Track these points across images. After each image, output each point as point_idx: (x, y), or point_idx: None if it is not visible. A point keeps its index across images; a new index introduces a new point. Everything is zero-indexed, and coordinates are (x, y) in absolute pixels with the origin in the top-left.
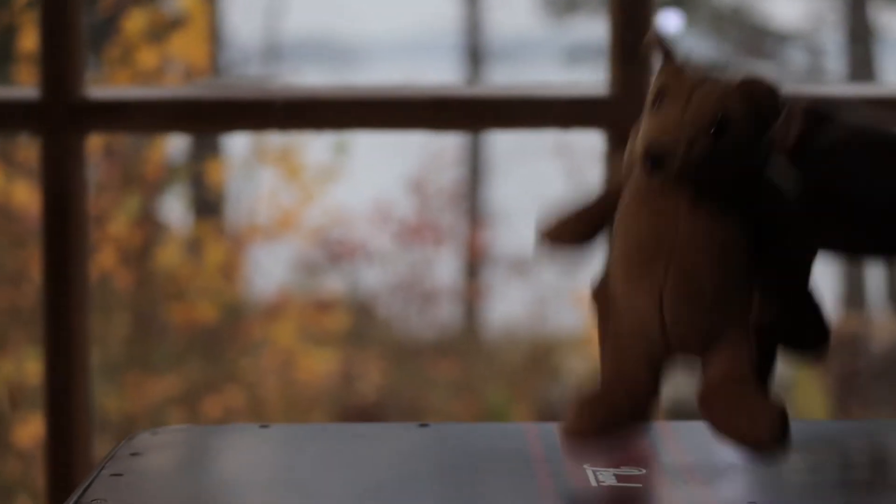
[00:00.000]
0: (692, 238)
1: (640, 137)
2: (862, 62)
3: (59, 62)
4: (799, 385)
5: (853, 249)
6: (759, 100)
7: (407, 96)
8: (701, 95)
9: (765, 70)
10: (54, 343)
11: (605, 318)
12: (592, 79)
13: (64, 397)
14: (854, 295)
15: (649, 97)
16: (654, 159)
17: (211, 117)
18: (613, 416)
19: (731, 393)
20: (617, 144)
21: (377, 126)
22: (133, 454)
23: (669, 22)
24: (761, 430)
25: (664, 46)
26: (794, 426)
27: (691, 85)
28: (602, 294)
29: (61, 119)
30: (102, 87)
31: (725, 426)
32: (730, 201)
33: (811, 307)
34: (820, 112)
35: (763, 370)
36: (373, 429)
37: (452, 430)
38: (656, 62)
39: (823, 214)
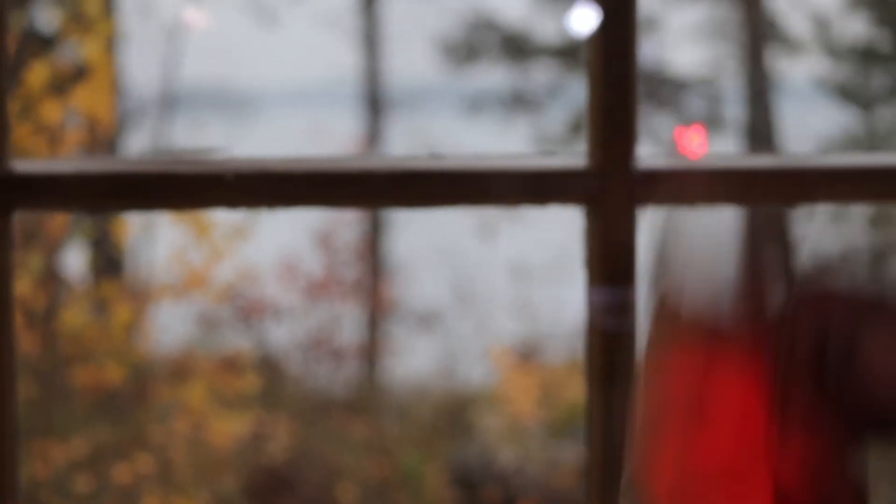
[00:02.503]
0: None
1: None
2: (760, 109)
3: None
4: None
5: None
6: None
7: (368, 169)
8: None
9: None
10: None
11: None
12: (520, 136)
13: None
14: None
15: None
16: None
17: (140, 193)
18: None
19: None
20: (595, 220)
21: (335, 204)
22: None
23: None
24: None
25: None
26: None
27: None
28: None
29: None
30: (28, 160)
31: None
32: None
33: None
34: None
35: None
36: None
37: None
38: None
39: None
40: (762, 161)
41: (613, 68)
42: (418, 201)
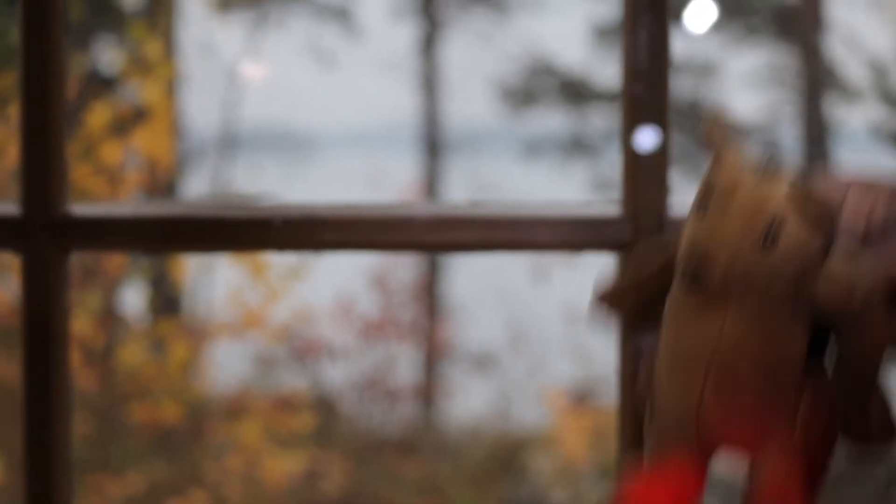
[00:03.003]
0: (735, 344)
1: (683, 245)
2: (817, 156)
3: (41, 179)
4: None
5: None
6: (812, 207)
7: (410, 216)
8: (749, 202)
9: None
10: (35, 460)
11: (651, 412)
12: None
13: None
14: None
15: (697, 194)
16: (695, 274)
17: (190, 236)
18: None
19: None
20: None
21: (377, 248)
22: None
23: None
24: None
25: (722, 140)
26: None
27: (740, 187)
28: (649, 388)
29: (42, 236)
30: (84, 204)
31: None
32: (781, 309)
33: (877, 402)
34: None
35: (816, 464)
36: None
37: None
38: (712, 156)
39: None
40: None
41: (644, 121)
42: (458, 247)
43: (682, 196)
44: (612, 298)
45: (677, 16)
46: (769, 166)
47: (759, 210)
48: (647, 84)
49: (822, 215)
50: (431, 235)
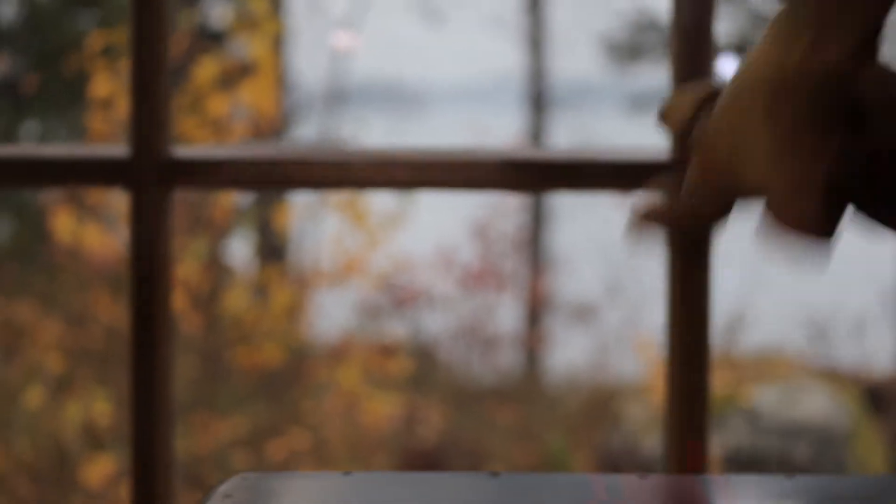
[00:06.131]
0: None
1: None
2: None
3: (148, 123)
4: (859, 437)
5: None
6: None
7: (475, 159)
8: None
9: None
10: (141, 390)
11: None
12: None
13: (148, 441)
14: None
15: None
16: None
17: (287, 176)
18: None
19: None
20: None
21: (448, 186)
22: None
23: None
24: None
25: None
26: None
27: None
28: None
29: (149, 176)
30: (188, 146)
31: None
32: None
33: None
34: None
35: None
36: (446, 478)
37: (522, 480)
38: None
39: None
40: None
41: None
42: (520, 186)
43: None
44: (657, 215)
45: None
46: None
47: None
48: (694, 43)
49: None
50: (497, 175)
